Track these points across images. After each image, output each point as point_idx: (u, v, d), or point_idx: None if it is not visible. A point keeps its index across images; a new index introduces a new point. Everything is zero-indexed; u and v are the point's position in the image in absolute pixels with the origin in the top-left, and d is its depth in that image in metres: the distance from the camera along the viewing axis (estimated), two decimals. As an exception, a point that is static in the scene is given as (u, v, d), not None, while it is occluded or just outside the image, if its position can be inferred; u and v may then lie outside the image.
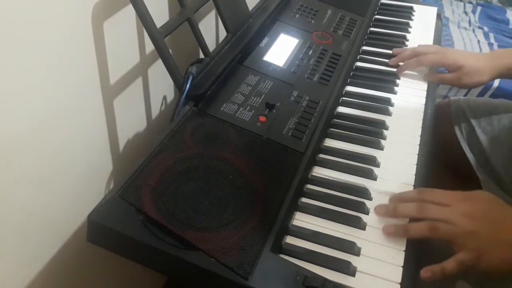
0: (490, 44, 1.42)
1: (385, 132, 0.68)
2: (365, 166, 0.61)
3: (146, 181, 0.49)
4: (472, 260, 0.48)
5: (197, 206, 0.48)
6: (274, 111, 0.63)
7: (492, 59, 0.78)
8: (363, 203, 0.55)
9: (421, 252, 0.52)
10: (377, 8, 1.04)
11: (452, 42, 1.41)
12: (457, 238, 0.49)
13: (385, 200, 0.56)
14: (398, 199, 0.56)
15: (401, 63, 0.83)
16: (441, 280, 0.50)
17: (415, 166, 0.62)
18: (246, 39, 0.73)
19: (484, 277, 0.63)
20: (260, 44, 0.76)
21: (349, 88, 0.78)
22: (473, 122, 0.85)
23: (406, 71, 0.82)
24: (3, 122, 0.44)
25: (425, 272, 0.49)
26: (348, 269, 0.47)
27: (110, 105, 0.62)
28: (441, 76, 0.81)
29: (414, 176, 0.61)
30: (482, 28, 1.52)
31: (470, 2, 1.74)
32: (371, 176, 0.60)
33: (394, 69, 0.83)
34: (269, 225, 0.48)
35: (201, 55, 0.68)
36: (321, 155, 0.63)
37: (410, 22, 1.00)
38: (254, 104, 0.63)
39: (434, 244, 0.55)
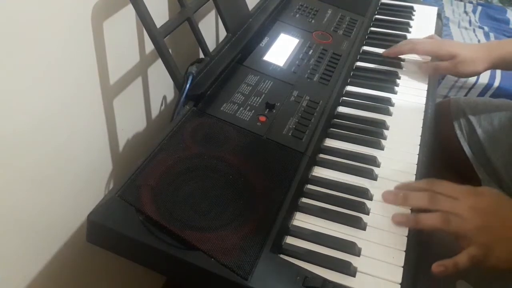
0: (491, 44, 1.42)
1: (385, 132, 0.68)
2: (366, 166, 0.61)
3: (146, 181, 0.49)
4: (482, 255, 0.48)
5: (197, 206, 0.48)
6: (274, 111, 0.63)
7: (486, 50, 0.78)
8: (364, 203, 0.55)
9: (422, 252, 0.52)
10: (378, 8, 1.04)
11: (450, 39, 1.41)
12: (466, 232, 0.49)
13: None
14: (406, 187, 0.56)
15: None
16: (441, 280, 0.50)
17: (416, 166, 0.62)
18: (246, 39, 0.73)
19: (484, 277, 0.63)
20: (260, 44, 0.76)
21: (350, 88, 0.77)
22: (474, 121, 0.85)
23: (406, 70, 0.82)
24: (3, 122, 0.44)
25: (437, 267, 0.49)
26: (348, 270, 0.47)
27: (110, 105, 0.62)
28: (436, 64, 0.81)
29: (414, 176, 0.61)
30: (483, 28, 1.52)
31: (471, 2, 1.74)
32: (371, 176, 0.60)
33: (395, 69, 0.83)
34: (269, 225, 0.48)
35: (201, 55, 0.68)
36: (321, 155, 0.63)
37: (411, 22, 1.00)
38: (254, 104, 0.63)
39: (434, 244, 0.55)
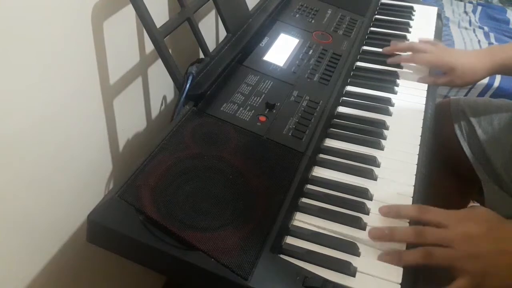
0: (491, 44, 1.42)
1: (385, 132, 0.68)
2: (365, 166, 0.61)
3: (145, 181, 0.49)
4: (474, 285, 0.46)
5: (197, 206, 0.48)
6: (274, 111, 0.63)
7: (487, 56, 0.78)
8: (363, 203, 0.55)
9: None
10: (377, 8, 1.04)
11: (452, 42, 1.41)
12: (456, 262, 0.47)
13: (385, 202, 0.56)
14: (392, 214, 0.53)
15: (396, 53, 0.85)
16: (441, 280, 0.49)
17: (416, 166, 0.62)
18: (246, 39, 0.73)
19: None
20: (260, 44, 0.76)
21: (349, 88, 0.77)
22: (474, 122, 0.85)
23: (406, 70, 0.83)
24: (3, 122, 0.44)
25: None
26: (348, 270, 0.47)
27: (110, 105, 0.62)
28: (434, 79, 0.81)
29: (414, 176, 0.60)
30: (483, 28, 1.52)
31: (471, 2, 1.74)
32: (371, 176, 0.60)
33: (394, 69, 0.83)
34: (269, 225, 0.48)
35: (201, 55, 0.68)
36: (321, 155, 0.63)
37: (411, 22, 1.00)
38: (254, 104, 0.63)
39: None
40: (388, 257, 0.50)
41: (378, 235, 0.51)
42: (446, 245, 0.48)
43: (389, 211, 0.54)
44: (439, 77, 0.81)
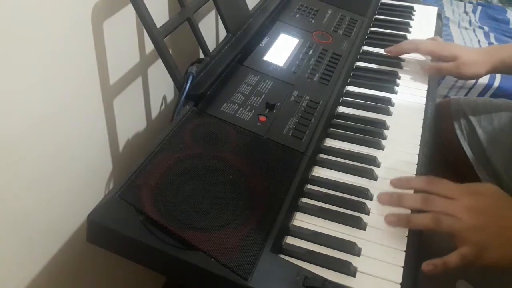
0: (491, 44, 1.42)
1: (385, 132, 0.68)
2: (366, 166, 0.61)
3: (146, 181, 0.49)
4: (474, 255, 0.48)
5: (197, 206, 0.48)
6: (274, 111, 0.63)
7: (488, 53, 0.79)
8: (364, 203, 0.55)
9: (421, 252, 0.52)
10: (378, 8, 1.04)
11: (452, 42, 1.41)
12: (460, 232, 0.49)
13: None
14: (403, 185, 0.55)
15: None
16: (441, 279, 0.50)
17: (416, 166, 0.62)
18: (246, 39, 0.73)
19: (485, 276, 0.63)
20: (260, 44, 0.76)
21: (350, 88, 0.77)
22: (474, 121, 0.85)
23: (406, 70, 0.83)
24: (3, 122, 0.44)
25: (427, 266, 0.49)
26: (348, 270, 0.47)
27: (110, 105, 0.62)
28: (439, 65, 0.81)
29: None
30: (483, 28, 1.52)
31: (471, 2, 1.74)
32: (371, 176, 0.60)
33: (395, 69, 0.83)
34: (269, 225, 0.48)
35: (201, 55, 0.68)
36: (321, 155, 0.63)
37: (411, 22, 1.00)
38: (254, 104, 0.63)
39: (435, 244, 0.55)
40: (396, 219, 0.51)
41: (387, 200, 0.54)
42: (451, 215, 0.50)
43: (400, 183, 0.56)
44: (444, 63, 0.80)
